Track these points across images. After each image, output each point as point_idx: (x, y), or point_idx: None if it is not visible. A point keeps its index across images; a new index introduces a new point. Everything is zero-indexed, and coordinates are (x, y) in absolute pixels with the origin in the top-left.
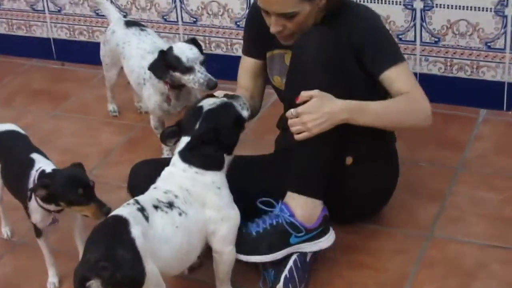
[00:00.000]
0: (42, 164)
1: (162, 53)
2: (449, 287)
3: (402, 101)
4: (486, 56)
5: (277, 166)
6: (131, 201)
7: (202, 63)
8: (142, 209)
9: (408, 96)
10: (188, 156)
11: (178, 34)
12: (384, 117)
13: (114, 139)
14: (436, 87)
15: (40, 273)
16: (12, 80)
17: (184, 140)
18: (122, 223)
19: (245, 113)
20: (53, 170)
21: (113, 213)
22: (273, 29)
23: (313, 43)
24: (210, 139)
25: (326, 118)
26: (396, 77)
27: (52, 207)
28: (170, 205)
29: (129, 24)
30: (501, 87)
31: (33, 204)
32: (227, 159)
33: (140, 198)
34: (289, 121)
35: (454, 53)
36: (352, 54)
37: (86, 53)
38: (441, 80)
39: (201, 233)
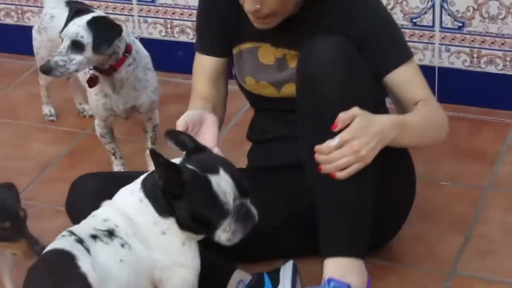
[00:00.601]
0: None
1: (75, 12)
2: None
3: (431, 112)
4: None
5: (258, 186)
6: (65, 232)
7: (74, 47)
8: (80, 240)
9: (429, 104)
10: (147, 181)
11: (132, 16)
12: (425, 132)
13: (51, 150)
14: (460, 85)
15: None
16: None
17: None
18: (66, 257)
19: (222, 237)
20: None
21: (49, 247)
22: (248, 6)
23: (332, 72)
24: (176, 184)
25: (378, 139)
26: (407, 79)
27: None
28: (110, 234)
29: (70, 4)
30: None
31: None
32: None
33: (74, 228)
34: (331, 155)
35: (483, 41)
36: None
37: (14, 41)
38: (466, 76)
39: (149, 275)
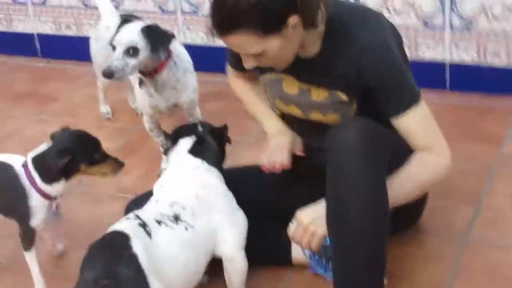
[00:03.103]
0: (15, 160)
1: (123, 21)
2: None
3: (418, 168)
4: None
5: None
6: (131, 215)
7: (127, 52)
8: (143, 225)
9: (423, 159)
10: (199, 150)
11: (177, 26)
12: (400, 193)
13: (108, 144)
14: (469, 76)
15: None
16: None
17: (187, 140)
18: (121, 238)
19: None
20: (56, 139)
21: (111, 228)
22: (246, 66)
23: (352, 165)
24: (216, 136)
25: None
26: (410, 128)
27: (60, 186)
28: (176, 218)
29: (125, 17)
30: None
31: (35, 200)
32: None
33: (140, 212)
34: (296, 238)
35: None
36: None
37: (74, 49)
38: (474, 68)
39: (208, 247)
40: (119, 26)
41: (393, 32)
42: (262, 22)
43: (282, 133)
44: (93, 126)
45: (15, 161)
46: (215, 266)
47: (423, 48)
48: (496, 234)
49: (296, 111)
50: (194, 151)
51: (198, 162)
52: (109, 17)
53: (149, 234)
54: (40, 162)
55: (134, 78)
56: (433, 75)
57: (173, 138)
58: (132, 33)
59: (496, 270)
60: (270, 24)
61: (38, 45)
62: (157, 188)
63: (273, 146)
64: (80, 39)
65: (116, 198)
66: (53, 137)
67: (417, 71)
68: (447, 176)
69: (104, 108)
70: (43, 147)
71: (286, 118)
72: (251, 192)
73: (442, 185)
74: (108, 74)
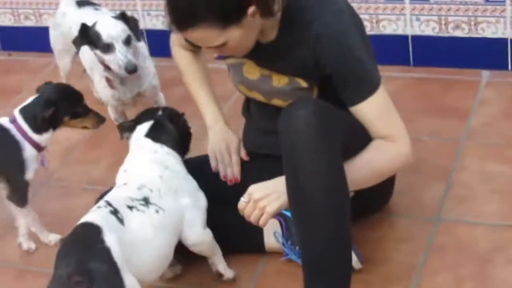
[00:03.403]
0: (1, 120)
1: (83, 27)
2: (465, 276)
3: (377, 155)
4: (484, 11)
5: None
6: (102, 203)
7: (126, 43)
8: (115, 212)
9: (383, 147)
10: (158, 135)
11: (136, 11)
12: (357, 178)
13: (75, 135)
14: (431, 50)
15: None
16: None
17: (145, 125)
18: (93, 231)
19: None
20: (41, 91)
21: (83, 219)
22: (208, 56)
23: (305, 143)
24: (175, 121)
25: (275, 196)
26: (368, 116)
27: (48, 136)
28: (146, 202)
29: (81, 3)
30: (503, 44)
31: (28, 151)
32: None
33: (110, 198)
34: (245, 212)
35: (449, 9)
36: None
37: (35, 40)
38: (436, 41)
39: (177, 227)
40: (93, 26)
41: (352, 15)
42: (222, 14)
43: (226, 133)
44: None
45: (1, 120)
46: (190, 258)
47: (384, 23)
48: (466, 211)
49: (258, 97)
50: (152, 135)
51: (157, 146)
52: (66, 4)
53: (121, 221)
54: (28, 113)
55: (91, 71)
56: (395, 50)
57: (132, 125)
58: (119, 24)
59: (468, 247)
60: (230, 15)
61: None
62: (121, 173)
63: (222, 149)
64: (41, 29)
65: (87, 190)
66: (38, 90)
67: (379, 47)
68: (408, 164)
69: None
70: (29, 100)
71: (251, 102)
72: (216, 181)
73: (411, 162)
74: (132, 69)
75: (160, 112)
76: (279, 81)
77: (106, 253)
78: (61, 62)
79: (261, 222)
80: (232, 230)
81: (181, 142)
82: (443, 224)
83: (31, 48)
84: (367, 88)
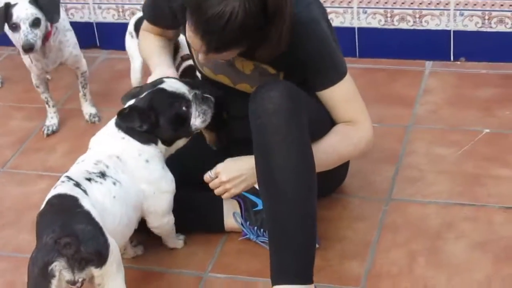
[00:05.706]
0: None
1: (6, 6)
2: (417, 251)
3: (338, 144)
4: (429, 4)
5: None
6: (63, 178)
7: (33, 24)
8: (77, 184)
9: (346, 131)
10: (120, 121)
11: (88, 4)
12: (323, 160)
13: (28, 124)
14: (377, 41)
15: None
16: None
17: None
18: (69, 199)
19: (197, 122)
20: None
21: (52, 193)
22: (201, 60)
23: (275, 124)
24: (145, 115)
25: (242, 178)
26: (334, 101)
27: None
28: (102, 175)
29: None
30: (446, 36)
31: None
32: (166, 149)
33: (70, 173)
34: (211, 186)
35: (395, 3)
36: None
37: None
38: (382, 33)
39: (137, 202)
40: (7, 8)
41: (319, 5)
42: (250, 37)
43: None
44: (11, 107)
45: None
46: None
47: (331, 15)
48: (416, 191)
49: (224, 80)
50: (117, 119)
51: (115, 131)
52: None
53: (85, 191)
54: None
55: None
56: (342, 41)
57: (135, 92)
58: (28, 8)
59: (418, 224)
60: (254, 36)
61: None
62: (93, 142)
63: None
64: None
65: (42, 177)
66: None
67: None
68: (368, 150)
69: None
70: None
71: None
72: (178, 164)
73: None
74: (29, 48)
75: (143, 95)
76: (243, 67)
77: (87, 215)
78: None
79: (223, 197)
80: (193, 210)
81: (149, 133)
82: (395, 204)
83: None
84: (338, 73)
